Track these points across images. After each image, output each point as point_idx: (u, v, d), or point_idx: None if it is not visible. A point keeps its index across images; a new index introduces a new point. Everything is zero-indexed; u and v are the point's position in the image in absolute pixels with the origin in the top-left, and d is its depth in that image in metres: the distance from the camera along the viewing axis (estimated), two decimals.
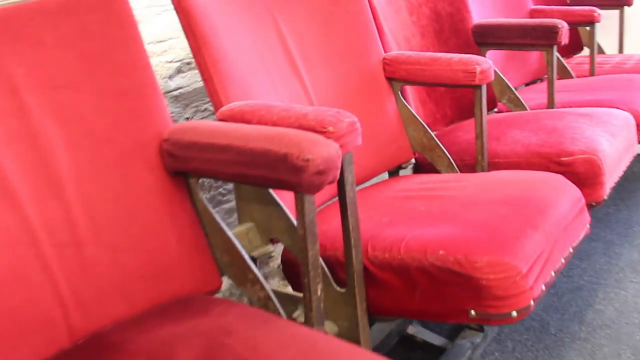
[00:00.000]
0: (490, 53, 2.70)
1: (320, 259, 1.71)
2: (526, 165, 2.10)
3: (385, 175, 2.24)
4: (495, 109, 2.70)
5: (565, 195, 1.84)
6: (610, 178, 2.12)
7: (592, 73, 3.09)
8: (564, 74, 3.11)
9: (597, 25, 3.51)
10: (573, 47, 3.51)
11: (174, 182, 1.53)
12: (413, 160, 2.24)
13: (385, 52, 2.20)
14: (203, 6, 1.75)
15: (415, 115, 2.17)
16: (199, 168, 1.50)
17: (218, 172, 1.48)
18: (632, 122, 2.41)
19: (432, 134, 2.17)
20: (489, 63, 2.04)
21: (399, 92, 2.18)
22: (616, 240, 2.91)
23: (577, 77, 3.11)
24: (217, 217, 1.55)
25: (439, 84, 2.16)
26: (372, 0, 2.24)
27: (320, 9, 2.07)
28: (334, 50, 2.07)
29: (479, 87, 2.04)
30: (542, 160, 2.08)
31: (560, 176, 1.93)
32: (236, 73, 1.77)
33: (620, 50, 3.57)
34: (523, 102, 2.62)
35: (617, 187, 3.46)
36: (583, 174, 2.03)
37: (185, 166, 1.51)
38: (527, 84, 3.19)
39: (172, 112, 2.05)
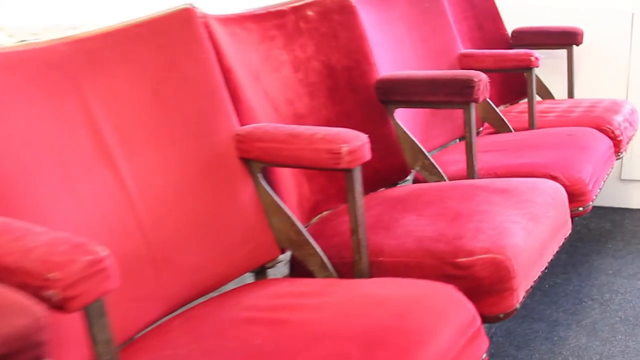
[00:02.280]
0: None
1: None
2: (416, 268, 1.54)
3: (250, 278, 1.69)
4: (408, 178, 2.14)
5: (451, 321, 1.29)
6: (527, 278, 1.56)
7: (531, 126, 2.53)
8: (500, 126, 2.55)
9: (546, 67, 2.96)
10: (518, 92, 2.95)
11: None
12: (281, 258, 1.68)
13: (242, 125, 1.65)
14: None
15: (279, 204, 1.62)
16: None
17: None
18: (562, 195, 1.84)
19: (301, 226, 1.62)
20: (361, 139, 1.49)
21: (259, 175, 1.63)
22: (562, 320, 2.33)
23: (516, 129, 2.55)
24: None
25: (302, 167, 1.60)
26: (228, 59, 1.69)
27: (148, 77, 1.53)
28: (167, 128, 1.53)
29: (349, 171, 1.49)
30: (435, 261, 1.52)
31: (449, 289, 1.38)
32: None
33: (570, 94, 3.00)
34: (440, 169, 2.07)
35: (568, 250, 2.90)
36: (486, 280, 1.47)
37: None
38: (461, 138, 2.63)
39: None
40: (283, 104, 1.88)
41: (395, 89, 2.05)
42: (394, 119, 2.10)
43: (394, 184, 2.12)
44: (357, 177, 1.49)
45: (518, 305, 1.51)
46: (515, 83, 2.93)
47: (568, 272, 2.65)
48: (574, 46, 2.95)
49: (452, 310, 1.32)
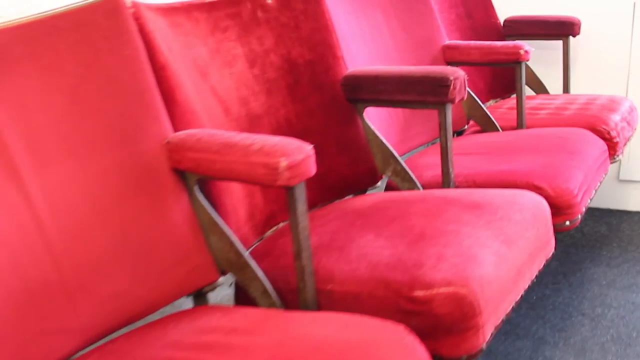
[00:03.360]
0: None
1: None
2: (368, 300, 1.32)
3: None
4: (378, 184, 1.91)
5: None
6: (496, 312, 1.33)
7: (520, 125, 2.30)
8: (487, 125, 2.32)
9: (541, 59, 2.73)
10: (510, 86, 2.71)
11: None
12: (222, 281, 1.47)
13: (178, 130, 1.43)
14: None
15: (216, 220, 1.40)
16: None
17: None
18: (544, 211, 1.62)
19: (241, 247, 1.41)
20: (304, 152, 1.26)
21: (196, 188, 1.41)
22: (549, 337, 2.11)
23: (504, 128, 2.32)
24: None
25: (239, 181, 1.38)
26: (163, 54, 1.46)
27: (65, 77, 1.31)
28: (86, 136, 1.32)
29: (290, 188, 1.27)
30: (389, 293, 1.30)
31: (400, 331, 1.17)
32: None
33: (566, 89, 2.75)
34: (412, 176, 1.84)
35: (560, 257, 2.66)
36: (447, 317, 1.25)
37: None
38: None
39: None
40: (235, 104, 1.66)
41: (362, 87, 1.82)
42: (363, 119, 1.87)
43: (363, 190, 1.90)
44: (300, 195, 1.27)
45: (484, 345, 1.29)
46: (508, 76, 2.69)
47: (558, 282, 2.42)
48: (571, 37, 2.70)
49: (400, 357, 1.11)
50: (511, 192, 1.63)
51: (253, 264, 1.39)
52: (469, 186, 1.84)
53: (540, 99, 2.62)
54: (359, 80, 1.82)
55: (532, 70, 2.76)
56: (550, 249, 1.61)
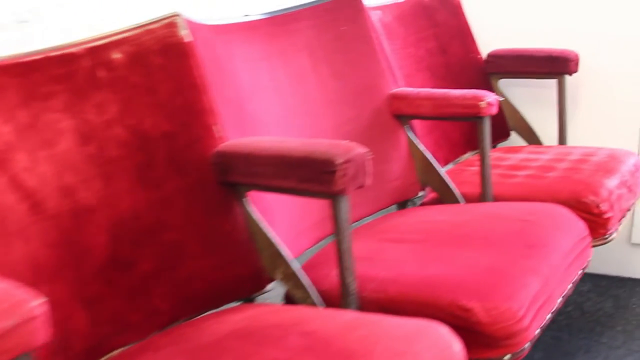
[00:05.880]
0: None
1: None
2: None
3: None
4: (269, 288, 1.42)
5: None
6: None
7: (483, 197, 1.75)
8: (445, 194, 1.79)
9: (537, 99, 2.19)
10: (497, 133, 2.16)
11: None
12: None
13: None
14: None
15: None
16: None
17: None
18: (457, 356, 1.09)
19: None
20: (24, 312, 0.79)
21: None
22: None
23: (468, 197, 1.79)
24: None
25: None
26: None
27: None
28: None
29: None
30: None
31: None
32: None
33: (561, 138, 2.18)
34: (305, 282, 1.35)
35: (548, 345, 2.08)
36: None
37: None
38: (399, 205, 1.88)
39: None
40: (54, 196, 1.20)
41: (236, 168, 1.33)
42: (245, 207, 1.38)
43: (247, 298, 1.42)
44: None
45: None
46: (492, 122, 2.14)
47: None
48: (567, 76, 2.13)
49: None
50: (413, 327, 1.11)
51: None
52: (378, 298, 1.33)
53: (527, 152, 2.06)
54: (230, 160, 1.33)
55: (521, 116, 2.21)
56: None
